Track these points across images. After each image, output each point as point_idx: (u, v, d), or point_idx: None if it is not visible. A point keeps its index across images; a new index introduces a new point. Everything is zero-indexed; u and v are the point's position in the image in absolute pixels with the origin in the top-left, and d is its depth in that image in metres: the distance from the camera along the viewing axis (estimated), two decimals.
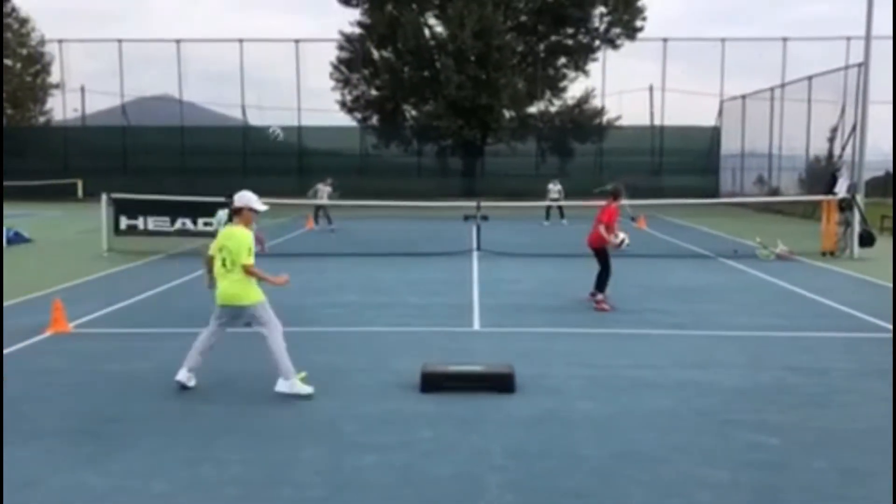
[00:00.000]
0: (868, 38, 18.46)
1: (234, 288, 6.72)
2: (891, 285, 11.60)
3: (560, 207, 24.66)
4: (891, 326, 9.47)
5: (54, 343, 8.69)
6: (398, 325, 9.75)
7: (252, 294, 6.76)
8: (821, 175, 26.44)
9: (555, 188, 25.69)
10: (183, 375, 6.86)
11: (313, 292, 12.11)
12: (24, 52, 44.19)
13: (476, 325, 9.80)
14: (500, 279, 13.39)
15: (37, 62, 44.16)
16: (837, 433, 5.86)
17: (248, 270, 6.65)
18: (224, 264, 6.71)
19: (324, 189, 23.45)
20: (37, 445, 5.55)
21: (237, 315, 6.93)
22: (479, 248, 17.02)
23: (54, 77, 43.94)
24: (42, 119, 45.35)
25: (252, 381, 7.16)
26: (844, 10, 73.58)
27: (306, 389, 6.71)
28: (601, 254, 10.89)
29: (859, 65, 21.28)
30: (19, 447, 5.51)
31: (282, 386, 6.73)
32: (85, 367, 7.69)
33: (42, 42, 43.84)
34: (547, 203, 24.97)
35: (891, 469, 5.06)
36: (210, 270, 7.25)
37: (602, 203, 10.98)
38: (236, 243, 6.65)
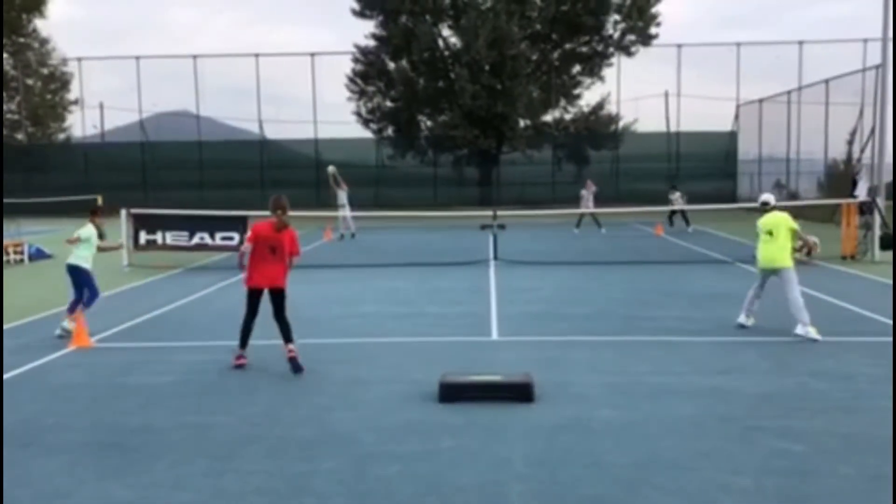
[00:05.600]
0: (885, 39, 18.33)
1: None
2: None
3: (684, 213, 24.94)
4: None
5: (77, 357, 8.77)
6: (417, 335, 9.76)
7: None
8: (840, 178, 26.23)
9: (675, 195, 25.51)
10: None
11: (332, 303, 12.16)
12: (45, 70, 44.85)
13: (494, 335, 9.79)
14: (518, 288, 13.37)
15: (57, 80, 44.79)
16: (864, 439, 5.79)
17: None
18: None
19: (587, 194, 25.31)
20: (63, 458, 5.61)
21: None
22: (496, 258, 17.01)
23: (73, 94, 44.54)
24: (62, 136, 45.93)
25: (272, 393, 7.20)
26: (860, 10, 73.00)
27: None
28: None
29: (877, 66, 21.13)
30: (46, 460, 5.57)
31: None
32: (107, 381, 7.75)
33: (63, 61, 44.46)
34: (669, 209, 25.35)
35: None
36: None
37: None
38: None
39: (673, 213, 25.49)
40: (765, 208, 9.99)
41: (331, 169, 23.34)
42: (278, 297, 8.00)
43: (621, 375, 7.62)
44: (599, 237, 23.01)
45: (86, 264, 10.05)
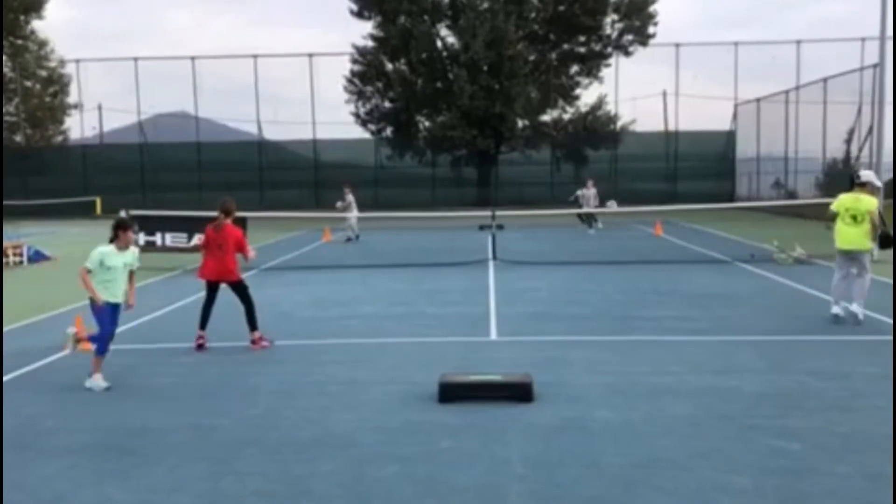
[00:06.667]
0: (882, 38, 18.32)
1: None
2: None
3: (593, 213, 25.17)
4: None
5: (76, 360, 8.74)
6: (416, 335, 9.77)
7: None
8: (838, 177, 26.24)
9: (591, 192, 25.75)
10: None
11: (331, 304, 12.16)
12: (44, 73, 44.84)
13: (493, 335, 9.80)
14: (517, 288, 13.38)
15: (55, 83, 44.77)
16: (862, 437, 5.80)
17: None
18: None
19: (589, 194, 25.35)
20: (62, 461, 5.61)
21: None
22: (494, 258, 17.02)
23: (72, 97, 44.53)
24: (60, 138, 45.92)
25: (271, 395, 7.21)
26: (858, 10, 73.07)
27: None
28: None
29: (875, 66, 21.14)
30: (44, 463, 5.57)
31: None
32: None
33: (61, 63, 44.46)
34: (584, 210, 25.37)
35: None
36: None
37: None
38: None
39: (585, 211, 25.03)
40: (858, 183, 10.06)
41: (339, 205, 23.64)
42: (237, 288, 9.15)
43: (620, 375, 7.62)
44: (597, 238, 23.05)
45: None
